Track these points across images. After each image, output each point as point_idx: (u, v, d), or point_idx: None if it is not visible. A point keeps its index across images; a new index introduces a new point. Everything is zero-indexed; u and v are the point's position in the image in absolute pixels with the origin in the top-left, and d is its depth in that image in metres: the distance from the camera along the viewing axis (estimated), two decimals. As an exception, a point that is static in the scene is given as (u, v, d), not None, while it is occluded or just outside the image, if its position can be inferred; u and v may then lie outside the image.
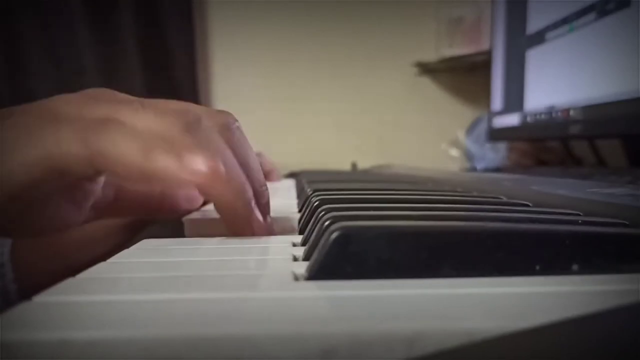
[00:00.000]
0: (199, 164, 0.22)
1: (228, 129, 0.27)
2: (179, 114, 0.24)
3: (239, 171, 0.25)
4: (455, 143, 1.04)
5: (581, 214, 0.25)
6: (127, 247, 0.23)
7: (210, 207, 0.40)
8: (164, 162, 0.22)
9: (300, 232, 0.29)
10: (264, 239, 0.26)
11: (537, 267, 0.16)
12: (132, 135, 0.22)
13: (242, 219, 0.25)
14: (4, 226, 0.27)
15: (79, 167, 0.23)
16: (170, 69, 1.36)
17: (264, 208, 0.28)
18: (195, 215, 0.34)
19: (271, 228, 0.28)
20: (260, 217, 0.26)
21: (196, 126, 0.24)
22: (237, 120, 0.28)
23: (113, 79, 1.33)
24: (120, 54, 1.33)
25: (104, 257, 0.20)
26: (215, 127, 0.26)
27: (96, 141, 0.22)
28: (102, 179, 0.30)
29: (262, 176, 0.29)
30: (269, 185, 0.31)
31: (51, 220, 0.28)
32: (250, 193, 0.26)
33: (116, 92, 0.27)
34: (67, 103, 0.25)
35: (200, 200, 0.38)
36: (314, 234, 0.21)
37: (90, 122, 0.23)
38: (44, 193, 0.25)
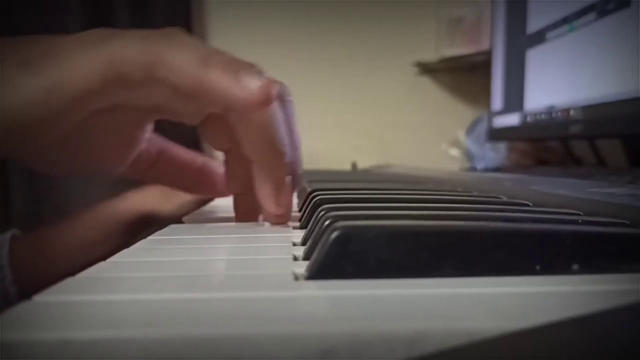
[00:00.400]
0: (253, 82, 0.22)
1: (282, 100, 0.27)
2: (244, 64, 0.24)
3: (283, 136, 0.26)
4: (455, 143, 1.04)
5: (581, 213, 0.25)
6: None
7: (211, 207, 0.40)
8: (220, 76, 0.22)
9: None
10: (263, 238, 0.26)
11: (538, 267, 0.16)
12: (193, 46, 0.22)
13: (275, 182, 0.26)
14: (42, 154, 0.26)
15: (137, 72, 0.22)
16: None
17: (295, 183, 0.29)
18: (194, 216, 0.34)
19: (287, 212, 0.28)
20: (290, 190, 0.27)
21: (269, 82, 0.24)
22: (290, 94, 0.28)
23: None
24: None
25: (103, 258, 0.20)
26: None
27: (157, 47, 0.22)
28: (149, 130, 0.30)
29: (299, 154, 0.29)
30: None
31: (94, 159, 0.28)
32: (290, 162, 0.26)
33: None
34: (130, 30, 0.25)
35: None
36: (314, 233, 0.20)
37: (151, 32, 0.23)
38: (91, 122, 0.24)
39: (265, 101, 0.22)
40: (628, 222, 0.22)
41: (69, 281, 0.16)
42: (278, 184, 0.26)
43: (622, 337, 0.10)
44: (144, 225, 0.48)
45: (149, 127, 0.30)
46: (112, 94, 0.23)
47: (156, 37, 0.23)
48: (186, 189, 0.36)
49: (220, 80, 0.22)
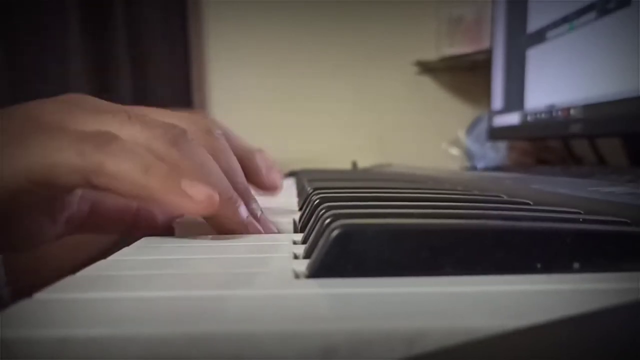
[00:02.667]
0: (196, 193, 0.22)
1: (211, 134, 0.28)
2: (165, 127, 0.24)
3: (224, 181, 0.26)
4: (455, 142, 1.04)
5: (582, 212, 0.25)
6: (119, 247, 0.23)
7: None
8: (163, 187, 0.22)
9: (301, 231, 0.29)
10: (264, 236, 0.26)
11: (538, 266, 0.16)
12: (132, 152, 0.22)
13: (236, 226, 0.26)
14: None
15: (70, 179, 0.22)
16: (162, 71, 1.36)
17: (253, 208, 0.28)
18: (184, 218, 0.34)
19: (266, 225, 0.28)
20: (254, 222, 0.27)
21: (182, 140, 0.24)
22: (218, 123, 0.29)
23: (103, 79, 1.33)
24: (112, 56, 1.32)
25: (92, 260, 0.20)
26: (198, 133, 0.27)
27: (95, 155, 0.21)
28: (78, 192, 0.30)
29: (244, 179, 0.29)
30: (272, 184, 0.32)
31: (25, 235, 0.27)
32: (240, 200, 0.26)
33: (97, 100, 0.27)
34: (52, 112, 0.24)
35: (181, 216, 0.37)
36: (315, 231, 0.20)
37: (86, 134, 0.22)
38: (22, 206, 0.24)
39: (209, 209, 0.23)
40: (628, 221, 0.22)
41: (69, 279, 0.16)
42: (239, 227, 0.26)
43: (622, 336, 0.10)
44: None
45: (77, 191, 0.30)
46: (41, 192, 0.23)
47: (90, 139, 0.22)
48: (125, 234, 0.35)
49: (162, 192, 0.22)
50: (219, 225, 0.26)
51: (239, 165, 0.29)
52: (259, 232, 0.27)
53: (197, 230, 0.30)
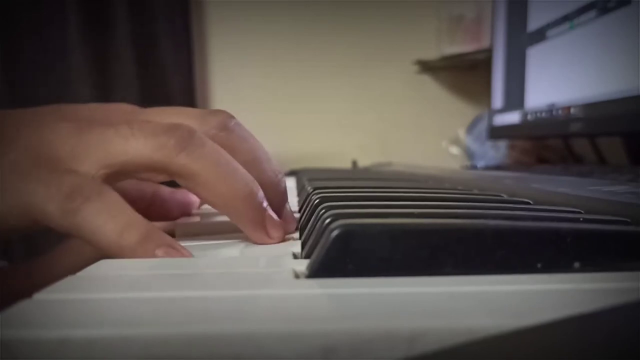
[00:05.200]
0: (159, 252, 0.22)
1: (226, 128, 0.27)
2: (170, 132, 0.24)
3: (243, 177, 0.25)
4: (455, 141, 1.04)
5: (582, 211, 0.25)
6: None
7: (203, 209, 0.40)
8: (135, 249, 0.22)
9: (301, 230, 0.29)
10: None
11: (539, 265, 0.16)
12: (114, 214, 0.22)
13: (255, 222, 0.25)
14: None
15: (59, 227, 0.23)
16: (165, 69, 1.36)
17: (281, 196, 0.28)
18: (185, 219, 0.34)
19: (291, 221, 0.28)
20: (274, 216, 0.26)
21: (189, 141, 0.24)
22: (234, 117, 0.28)
23: (107, 80, 1.32)
24: (114, 54, 1.32)
25: None
26: (212, 130, 0.26)
27: (73, 213, 0.22)
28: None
29: (273, 165, 0.28)
30: None
31: None
32: (260, 193, 0.25)
33: (110, 109, 0.27)
34: (56, 141, 0.24)
35: (195, 207, 0.37)
36: (315, 231, 0.20)
37: (70, 186, 0.22)
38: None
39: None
40: (629, 220, 0.22)
41: (69, 279, 0.16)
42: (258, 224, 0.25)
43: (623, 335, 0.10)
44: None
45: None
46: (33, 230, 0.24)
47: (80, 198, 0.22)
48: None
49: (134, 252, 0.22)
50: (239, 222, 0.25)
51: (265, 151, 0.28)
52: (277, 229, 0.26)
53: (197, 231, 0.30)
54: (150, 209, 0.35)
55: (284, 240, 0.26)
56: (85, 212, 0.22)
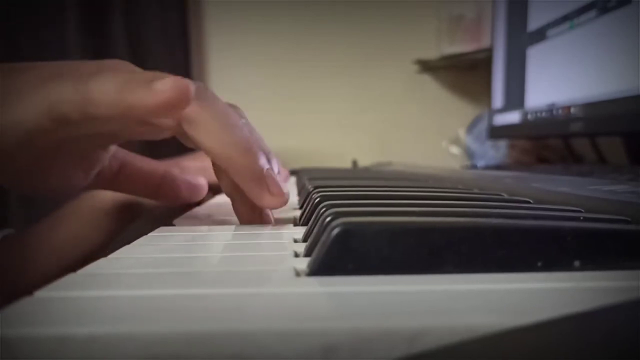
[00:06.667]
0: (163, 85, 0.22)
1: (235, 107, 0.29)
2: (189, 82, 0.24)
3: (247, 132, 0.26)
4: (455, 141, 1.04)
5: (582, 210, 0.25)
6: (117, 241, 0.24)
7: (201, 209, 0.40)
8: (134, 94, 0.22)
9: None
10: (265, 234, 0.26)
11: (539, 264, 0.16)
12: (113, 75, 0.23)
13: (255, 177, 0.26)
14: (12, 178, 0.28)
15: (74, 113, 0.23)
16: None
17: (273, 165, 0.29)
18: (186, 215, 0.34)
19: (286, 198, 0.28)
20: (275, 175, 0.27)
21: (204, 92, 0.25)
22: (245, 116, 0.29)
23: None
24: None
25: (96, 250, 0.20)
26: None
27: (85, 87, 0.23)
28: (112, 148, 0.32)
29: (265, 143, 0.29)
30: None
31: (57, 181, 0.29)
32: (261, 152, 0.26)
33: (132, 65, 0.28)
34: (74, 64, 0.26)
35: (204, 192, 0.38)
36: (315, 230, 0.20)
37: (86, 72, 0.24)
38: (53, 149, 0.26)
39: (180, 99, 0.22)
40: (629, 219, 0.22)
41: (69, 277, 0.16)
42: (258, 179, 0.26)
43: (623, 334, 0.10)
44: (130, 214, 0.48)
45: (110, 148, 0.32)
46: (62, 131, 0.25)
47: (86, 75, 0.24)
48: (149, 197, 0.37)
49: (135, 98, 0.22)
50: (238, 176, 0.26)
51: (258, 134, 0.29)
52: (277, 188, 0.26)
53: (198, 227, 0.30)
54: (160, 188, 0.36)
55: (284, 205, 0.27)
56: (92, 82, 0.23)
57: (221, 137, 0.25)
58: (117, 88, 0.23)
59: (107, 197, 0.47)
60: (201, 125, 0.25)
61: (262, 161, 0.26)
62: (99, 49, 1.31)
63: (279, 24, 1.42)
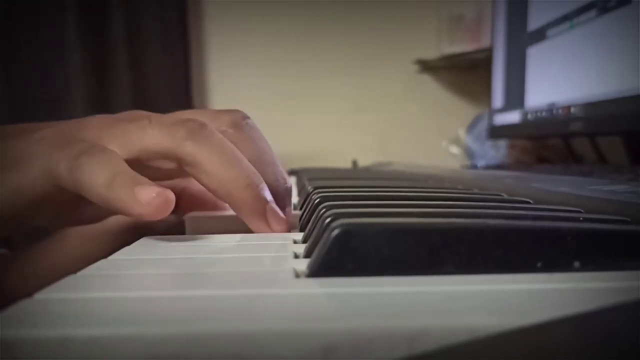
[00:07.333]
0: (146, 195, 0.23)
1: (237, 126, 0.28)
2: (182, 123, 0.26)
3: (247, 166, 0.26)
4: (455, 141, 1.04)
5: (582, 211, 0.25)
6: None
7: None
8: (120, 195, 0.23)
9: (301, 230, 0.29)
10: (265, 235, 0.26)
11: (539, 264, 0.16)
12: (106, 165, 0.24)
13: (256, 212, 0.26)
14: (46, 223, 0.31)
15: (68, 188, 0.24)
16: (160, 69, 1.35)
17: (283, 199, 0.29)
18: (195, 212, 0.34)
19: (292, 221, 0.28)
20: (277, 209, 0.27)
21: (198, 132, 0.26)
22: (248, 117, 0.29)
23: (103, 81, 1.32)
24: (110, 55, 1.32)
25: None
26: (223, 127, 0.28)
27: (77, 169, 0.24)
28: None
29: (278, 168, 0.29)
30: None
31: (90, 212, 0.31)
32: (262, 185, 0.26)
33: (144, 113, 0.29)
34: (84, 128, 0.27)
35: (223, 208, 0.38)
36: (315, 231, 0.20)
37: (81, 148, 0.25)
38: (72, 199, 0.27)
39: (160, 210, 0.23)
40: (629, 219, 0.22)
41: (70, 278, 0.16)
42: (259, 215, 0.26)
43: (623, 334, 0.10)
44: (135, 234, 0.47)
45: None
46: (61, 197, 0.26)
47: (80, 154, 0.24)
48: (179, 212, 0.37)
49: (119, 201, 0.23)
50: (240, 212, 0.26)
51: (273, 154, 0.29)
52: (278, 222, 0.27)
53: (207, 226, 0.30)
54: (178, 202, 0.36)
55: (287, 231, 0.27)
56: (85, 167, 0.24)
57: (219, 175, 0.25)
58: (106, 183, 0.23)
59: (117, 218, 0.47)
60: (199, 167, 0.26)
61: (263, 195, 0.26)
62: (98, 49, 1.31)
63: (279, 24, 1.42)
